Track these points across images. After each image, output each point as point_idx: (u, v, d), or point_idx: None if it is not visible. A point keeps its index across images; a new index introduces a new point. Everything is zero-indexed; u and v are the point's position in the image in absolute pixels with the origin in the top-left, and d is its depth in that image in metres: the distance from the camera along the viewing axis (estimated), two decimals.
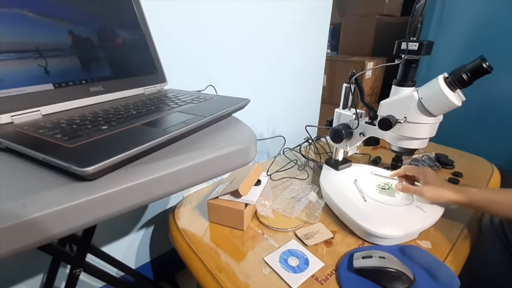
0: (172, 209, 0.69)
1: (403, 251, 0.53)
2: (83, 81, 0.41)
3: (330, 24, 1.08)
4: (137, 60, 0.51)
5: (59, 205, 0.23)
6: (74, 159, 0.25)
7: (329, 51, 1.82)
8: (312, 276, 0.49)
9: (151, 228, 0.84)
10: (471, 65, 0.46)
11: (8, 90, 0.33)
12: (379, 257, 0.48)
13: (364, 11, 1.70)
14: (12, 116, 0.33)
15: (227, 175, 0.72)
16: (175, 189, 0.31)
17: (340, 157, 0.76)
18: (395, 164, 0.79)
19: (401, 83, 0.56)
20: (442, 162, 0.85)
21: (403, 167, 0.66)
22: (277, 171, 0.83)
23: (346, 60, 1.57)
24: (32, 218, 0.22)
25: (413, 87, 0.55)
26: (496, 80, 1.06)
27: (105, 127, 0.33)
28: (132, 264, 0.84)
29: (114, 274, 0.62)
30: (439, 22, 1.23)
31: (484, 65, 0.44)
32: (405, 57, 0.53)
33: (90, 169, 0.23)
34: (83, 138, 0.29)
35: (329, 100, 1.52)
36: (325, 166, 0.77)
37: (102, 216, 0.26)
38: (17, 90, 0.34)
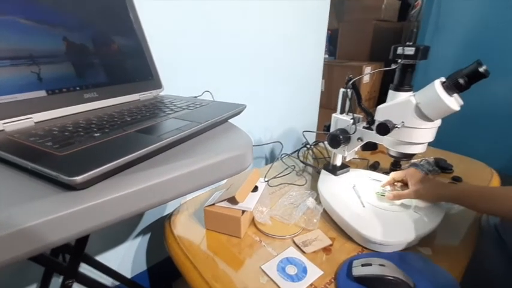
0: (169, 216, 0.68)
1: (403, 258, 0.52)
2: (77, 88, 0.41)
3: (328, 29, 1.09)
4: (133, 66, 0.51)
5: (47, 216, 0.22)
6: (63, 168, 0.24)
7: (327, 56, 1.84)
8: (311, 285, 0.48)
9: (147, 236, 0.83)
10: (468, 70, 0.46)
11: None
12: (379, 265, 0.47)
13: (361, 16, 1.72)
14: (3, 124, 0.33)
15: (224, 181, 0.72)
16: (168, 197, 0.30)
17: (338, 162, 0.75)
18: (394, 169, 0.79)
19: (398, 88, 0.56)
20: (441, 166, 0.84)
21: (390, 175, 0.65)
22: (275, 177, 0.83)
23: (344, 65, 1.58)
24: (18, 230, 0.21)
25: (410, 92, 0.54)
26: (495, 84, 1.07)
27: (98, 134, 0.32)
28: (128, 273, 0.82)
29: (109, 284, 0.61)
30: (435, 27, 1.24)
31: (481, 69, 0.44)
32: (401, 62, 0.53)
33: (79, 178, 0.23)
34: (74, 146, 0.29)
35: (327, 105, 1.52)
36: (323, 172, 0.76)
37: (93, 226, 0.25)
38: (9, 98, 0.34)
